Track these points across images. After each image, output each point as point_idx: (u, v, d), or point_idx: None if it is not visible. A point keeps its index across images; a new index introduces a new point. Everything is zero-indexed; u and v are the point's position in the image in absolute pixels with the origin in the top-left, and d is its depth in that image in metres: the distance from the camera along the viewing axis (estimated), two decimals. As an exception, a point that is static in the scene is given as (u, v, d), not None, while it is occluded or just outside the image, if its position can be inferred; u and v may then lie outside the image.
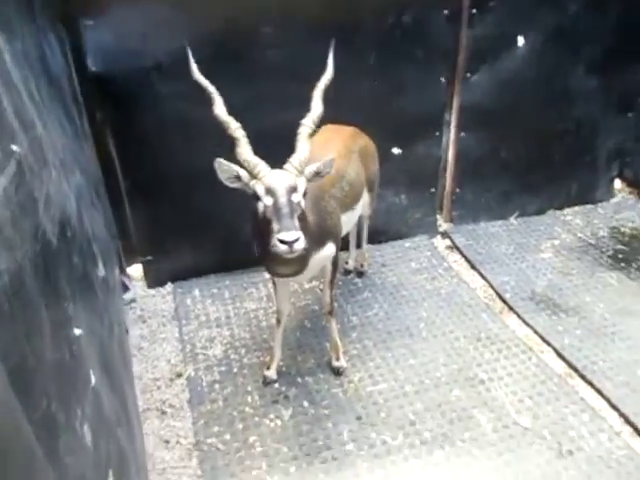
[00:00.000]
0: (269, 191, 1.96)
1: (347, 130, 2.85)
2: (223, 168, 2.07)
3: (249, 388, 2.69)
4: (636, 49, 3.82)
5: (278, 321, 2.71)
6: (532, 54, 3.55)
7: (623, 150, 4.15)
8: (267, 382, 2.71)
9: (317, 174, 2.12)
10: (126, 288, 3.27)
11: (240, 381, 2.73)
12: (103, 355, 1.83)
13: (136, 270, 3.46)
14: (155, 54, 2.83)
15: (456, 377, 2.73)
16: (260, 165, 2.03)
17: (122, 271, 3.30)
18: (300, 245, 1.90)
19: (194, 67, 2.23)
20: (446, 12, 3.26)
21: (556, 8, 3.49)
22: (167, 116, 2.98)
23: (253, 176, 2.03)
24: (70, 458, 1.17)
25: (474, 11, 3.31)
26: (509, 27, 3.45)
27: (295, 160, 2.07)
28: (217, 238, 3.40)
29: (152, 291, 3.38)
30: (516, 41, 3.51)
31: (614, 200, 4.28)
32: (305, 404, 2.59)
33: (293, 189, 1.98)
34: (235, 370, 2.79)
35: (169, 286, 3.41)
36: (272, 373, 2.73)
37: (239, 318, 3.14)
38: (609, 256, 3.63)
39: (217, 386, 2.70)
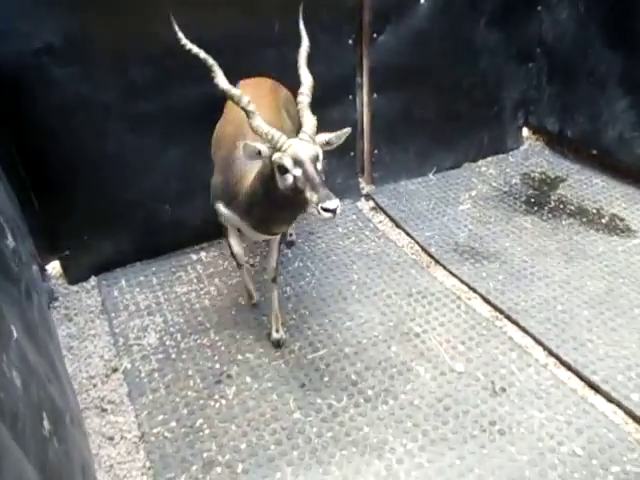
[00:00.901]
0: (297, 162, 1.96)
1: (267, 83, 2.80)
2: (248, 149, 2.01)
3: (190, 372, 2.65)
4: (532, 1, 3.97)
5: (240, 265, 2.86)
6: (434, 11, 3.60)
7: (527, 99, 4.34)
8: (253, 304, 2.96)
9: (328, 144, 2.11)
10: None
11: (180, 366, 2.68)
12: (24, 318, 1.82)
13: (54, 267, 3.28)
14: (45, 35, 2.63)
15: (392, 333, 2.81)
16: (282, 137, 1.99)
17: (41, 269, 3.12)
18: (339, 210, 1.92)
19: (183, 37, 2.14)
20: (347, -27, 3.24)
21: (453, -36, 3.55)
22: (66, 101, 2.81)
23: (275, 149, 1.99)
24: (1, 393, 1.20)
25: (375, -29, 3.30)
26: (410, -15, 3.48)
27: (309, 129, 2.05)
28: (137, 224, 3.28)
29: (75, 287, 3.22)
30: (418, -1, 3.55)
31: (523, 148, 4.49)
32: (248, 380, 2.59)
33: (317, 158, 2.00)
34: (173, 356, 2.74)
35: (93, 280, 3.26)
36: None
37: (170, 303, 3.06)
38: (523, 201, 3.82)
39: (156, 375, 2.64)
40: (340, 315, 2.94)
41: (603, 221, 3.56)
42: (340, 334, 2.82)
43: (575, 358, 2.60)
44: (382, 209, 3.84)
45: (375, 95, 3.67)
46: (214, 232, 3.48)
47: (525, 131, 4.53)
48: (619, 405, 2.39)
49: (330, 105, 3.48)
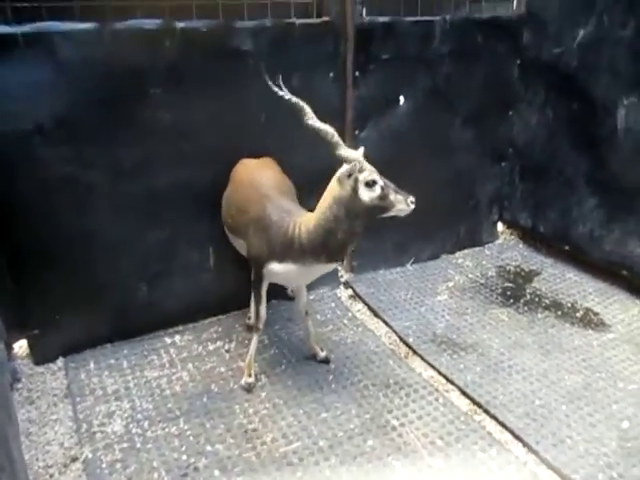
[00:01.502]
0: (377, 174, 2.45)
1: (273, 164, 3.13)
2: (343, 176, 2.44)
3: (155, 464, 2.49)
4: (504, 104, 4.26)
5: (258, 329, 2.93)
6: (413, 111, 3.83)
7: (501, 195, 4.54)
8: (251, 388, 2.92)
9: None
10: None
11: (144, 457, 2.53)
12: None
13: (21, 347, 3.15)
14: (35, 117, 2.71)
15: (369, 426, 2.72)
16: (362, 159, 2.45)
17: (7, 347, 3.00)
18: None
19: (272, 84, 2.47)
20: (332, 74, 3.46)
21: (430, 71, 3.82)
22: (52, 180, 2.84)
23: (360, 170, 2.41)
24: None
25: (357, 74, 3.53)
26: (390, 87, 3.72)
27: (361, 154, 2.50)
28: (111, 304, 3.21)
29: (40, 368, 3.08)
30: (398, 100, 3.78)
31: (498, 241, 4.62)
32: (216, 473, 2.44)
33: None
34: (138, 445, 2.59)
35: (60, 361, 3.14)
36: (252, 379, 2.93)
37: (140, 388, 2.94)
38: (499, 294, 3.87)
39: (119, 466, 2.48)
40: (315, 406, 2.85)
41: (578, 315, 3.60)
42: (315, 426, 2.72)
43: (555, 455, 2.53)
44: (361, 298, 3.84)
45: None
46: (190, 315, 3.47)
47: (500, 225, 4.69)
48: (602, 508, 2.31)
49: (312, 196, 3.55)
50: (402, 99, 3.79)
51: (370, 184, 2.41)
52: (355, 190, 2.42)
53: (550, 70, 3.99)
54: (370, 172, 2.43)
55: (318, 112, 3.40)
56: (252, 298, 3.37)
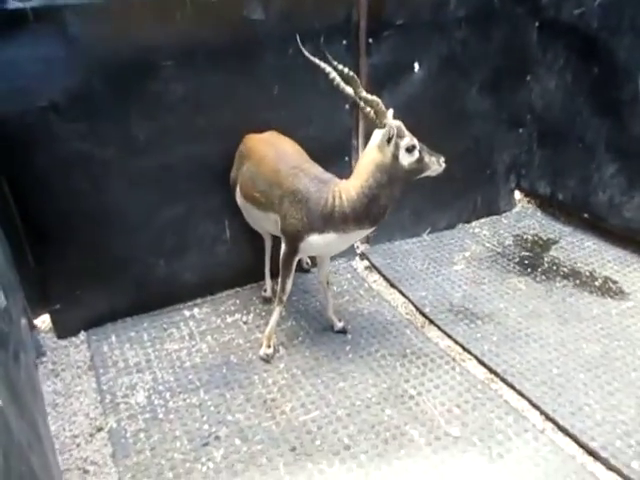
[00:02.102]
0: (415, 139, 2.56)
1: (284, 137, 3.08)
2: (385, 137, 2.51)
3: (177, 433, 2.56)
4: (521, 69, 4.15)
5: (281, 301, 2.96)
6: (428, 78, 3.75)
7: (518, 163, 4.46)
8: (270, 359, 2.98)
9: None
10: (38, 344, 3.05)
11: (167, 427, 2.60)
12: (9, 382, 1.76)
13: (44, 321, 3.23)
14: (50, 94, 2.71)
15: (386, 395, 2.75)
16: (402, 125, 2.55)
17: (30, 323, 3.08)
18: None
19: (307, 53, 2.54)
20: (345, 42, 3.38)
21: (445, 36, 3.72)
22: (68, 158, 2.85)
23: (400, 136, 2.52)
24: None
25: (370, 41, 3.45)
26: (404, 55, 3.63)
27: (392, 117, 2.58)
28: (130, 278, 3.26)
29: (64, 342, 3.16)
30: (413, 67, 3.70)
31: (515, 210, 4.57)
32: (237, 442, 2.51)
33: None
34: (161, 416, 2.66)
35: (82, 335, 3.21)
36: (271, 350, 2.98)
37: (161, 361, 3.00)
38: (516, 263, 3.84)
39: (142, 435, 2.56)
40: (333, 375, 2.88)
41: (596, 284, 3.57)
42: (333, 395, 2.76)
43: (572, 423, 2.54)
44: (376, 268, 3.85)
45: (370, 157, 3.76)
46: (208, 288, 3.51)
47: (517, 194, 4.62)
48: (619, 473, 2.32)
49: (326, 166, 3.53)
50: (417, 66, 3.70)
51: (410, 149, 2.53)
52: (396, 156, 2.52)
53: (570, 32, 3.86)
54: (410, 137, 2.54)
55: (330, 80, 3.40)
56: (266, 270, 3.43)
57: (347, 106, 3.55)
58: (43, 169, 2.83)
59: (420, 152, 2.56)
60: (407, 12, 3.52)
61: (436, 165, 2.62)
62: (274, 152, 2.89)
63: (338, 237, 2.69)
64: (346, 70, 2.48)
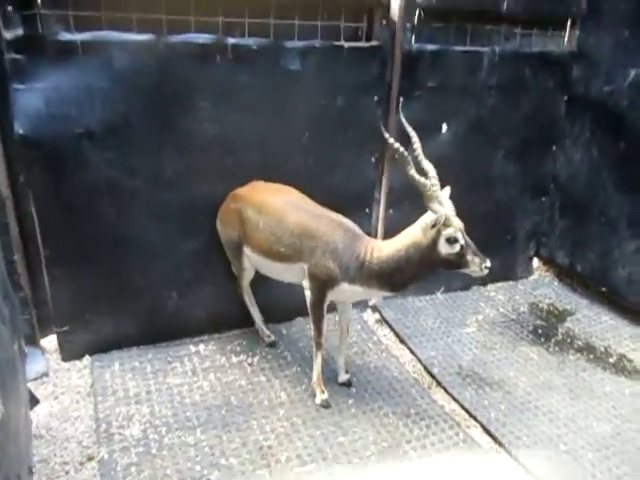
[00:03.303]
0: (461, 233, 2.54)
1: (283, 186, 3.07)
2: (428, 227, 2.55)
3: (168, 471, 2.50)
4: (548, 139, 4.21)
5: (321, 345, 2.96)
6: (455, 140, 3.81)
7: (539, 231, 4.45)
8: (328, 405, 2.96)
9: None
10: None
11: (159, 464, 2.54)
12: None
13: (50, 341, 3.23)
14: (87, 122, 2.81)
15: (386, 455, 2.67)
16: (450, 214, 2.55)
17: (35, 342, 3.08)
18: None
19: (388, 136, 2.66)
20: (376, 98, 3.48)
21: (475, 101, 3.81)
22: (95, 184, 2.93)
23: (446, 225, 2.51)
24: None
25: (401, 99, 3.54)
26: (434, 115, 3.71)
27: (453, 208, 2.61)
28: (142, 308, 3.27)
29: (67, 365, 3.15)
30: (440, 128, 3.77)
31: (532, 277, 4.53)
32: (228, 488, 2.44)
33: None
34: (154, 451, 2.61)
35: (86, 359, 3.20)
36: (326, 395, 2.98)
37: (160, 394, 2.97)
38: (529, 331, 3.78)
39: (133, 469, 2.50)
40: (334, 429, 2.82)
41: (611, 360, 3.48)
42: (331, 449, 2.68)
43: (578, 506, 2.44)
44: (387, 323, 3.81)
45: (391, 211, 3.79)
46: (216, 326, 3.49)
47: (535, 261, 4.60)
48: None
49: (346, 215, 3.58)
50: (445, 127, 3.78)
51: (451, 241, 2.53)
52: (435, 241, 2.55)
53: (598, 108, 3.93)
54: (455, 230, 2.53)
55: (360, 134, 3.48)
56: (257, 315, 3.42)
57: (373, 159, 3.61)
58: (70, 192, 2.90)
59: (462, 247, 2.54)
60: (439, 75, 3.62)
61: (477, 267, 2.55)
62: (290, 204, 2.89)
63: (363, 290, 2.77)
64: (401, 149, 2.56)
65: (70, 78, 2.72)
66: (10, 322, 2.24)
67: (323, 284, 2.78)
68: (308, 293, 2.87)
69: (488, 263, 2.54)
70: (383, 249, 2.68)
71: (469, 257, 2.54)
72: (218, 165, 3.16)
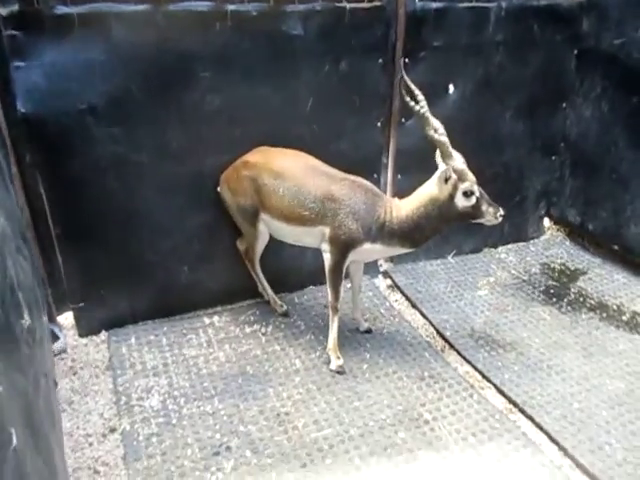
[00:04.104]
0: (475, 186, 2.66)
1: (299, 152, 3.07)
2: (445, 177, 2.64)
3: (189, 440, 2.56)
4: (557, 96, 4.11)
5: (337, 310, 3.01)
6: (462, 101, 3.74)
7: (549, 191, 4.40)
8: (344, 371, 3.00)
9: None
10: (56, 337, 3.08)
11: (179, 433, 2.60)
12: (27, 412, 1.70)
13: (67, 318, 3.28)
14: (90, 97, 2.78)
15: (401, 418, 2.71)
16: (466, 169, 2.65)
17: (52, 319, 3.13)
18: None
19: (409, 100, 2.71)
20: (380, 61, 3.40)
21: (482, 59, 3.72)
22: (102, 160, 2.92)
23: (461, 180, 2.63)
24: None
25: (406, 60, 3.46)
26: (440, 76, 3.63)
27: (464, 161, 2.70)
28: (155, 283, 3.30)
29: (84, 340, 3.20)
30: (447, 89, 3.70)
31: (544, 237, 4.50)
32: (248, 454, 2.49)
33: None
34: (174, 421, 2.67)
35: (103, 334, 3.25)
36: (342, 360, 3.02)
37: (178, 366, 3.02)
38: (541, 291, 3.77)
39: (154, 440, 2.56)
40: (349, 394, 2.86)
41: (624, 318, 3.48)
42: (347, 414, 2.73)
43: (592, 461, 2.47)
44: (399, 288, 3.82)
45: (399, 176, 3.75)
46: (229, 297, 3.52)
47: (547, 221, 4.56)
48: (639, 519, 2.24)
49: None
50: (452, 88, 3.70)
51: (468, 194, 2.64)
52: (452, 195, 2.65)
53: (609, 61, 3.82)
54: (471, 183, 2.63)
55: (365, 99, 3.42)
56: (266, 285, 3.44)
57: (379, 124, 3.56)
58: (77, 169, 2.89)
59: (478, 199, 2.66)
60: (445, 34, 3.53)
61: (491, 216, 2.69)
62: (309, 168, 2.91)
63: (383, 248, 2.88)
64: (427, 113, 2.64)
65: (69, 53, 2.68)
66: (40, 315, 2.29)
67: (345, 246, 2.83)
68: (327, 256, 2.90)
69: (502, 211, 2.68)
70: (402, 208, 2.77)
71: (484, 207, 2.67)
72: (223, 136, 3.13)
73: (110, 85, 2.81)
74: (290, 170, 2.91)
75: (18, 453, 1.41)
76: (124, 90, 2.84)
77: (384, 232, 2.79)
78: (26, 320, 2.06)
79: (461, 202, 2.66)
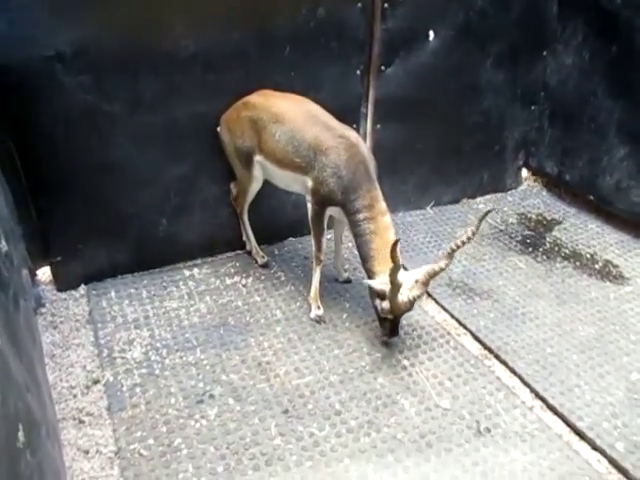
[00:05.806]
0: (393, 311, 2.69)
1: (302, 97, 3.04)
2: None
3: (172, 390, 2.60)
4: (538, 46, 4.06)
5: (320, 260, 3.04)
6: (443, 48, 3.67)
7: (528, 141, 4.40)
8: (322, 320, 3.05)
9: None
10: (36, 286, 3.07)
11: (162, 383, 2.64)
12: (9, 324, 1.79)
13: (44, 273, 3.24)
14: (57, 44, 2.66)
15: (380, 365, 2.78)
16: (401, 292, 2.60)
17: (31, 273, 3.09)
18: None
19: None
20: (359, 5, 3.30)
21: (463, 5, 3.63)
22: (73, 109, 2.82)
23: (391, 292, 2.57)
24: None
25: (386, 5, 3.37)
26: (420, 22, 3.55)
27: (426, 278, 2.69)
28: (132, 235, 3.26)
29: (63, 295, 3.18)
30: (427, 35, 3.62)
31: (521, 188, 4.54)
32: (231, 402, 2.55)
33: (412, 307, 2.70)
34: (157, 372, 2.70)
35: (82, 288, 3.23)
36: (321, 311, 3.06)
37: (159, 318, 3.03)
38: (518, 241, 3.84)
39: (138, 390, 2.60)
40: (329, 342, 2.92)
41: (597, 266, 3.57)
42: (327, 362, 2.79)
43: (562, 402, 2.58)
44: (378, 238, 3.83)
45: (379, 126, 3.71)
46: (208, 249, 3.51)
47: (524, 172, 4.58)
48: (603, 454, 2.37)
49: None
50: (432, 34, 3.62)
51: (381, 297, 2.66)
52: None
53: (591, 8, 3.76)
54: (392, 303, 2.60)
55: (344, 46, 3.34)
56: (250, 234, 3.44)
57: (358, 72, 3.48)
58: (47, 120, 2.80)
59: (384, 311, 2.68)
60: (425, -22, 3.42)
61: (384, 337, 2.84)
62: (309, 115, 2.87)
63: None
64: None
65: (34, -4, 2.54)
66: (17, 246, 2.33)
67: (322, 201, 2.83)
68: (309, 206, 2.91)
69: (388, 341, 2.86)
70: (380, 229, 2.81)
71: (383, 329, 2.81)
72: (199, 84, 3.04)
73: (79, 31, 2.69)
74: (289, 114, 2.87)
75: (2, 354, 1.49)
76: (94, 37, 2.72)
77: (353, 219, 2.77)
78: (3, 245, 2.08)
79: (374, 297, 2.73)
